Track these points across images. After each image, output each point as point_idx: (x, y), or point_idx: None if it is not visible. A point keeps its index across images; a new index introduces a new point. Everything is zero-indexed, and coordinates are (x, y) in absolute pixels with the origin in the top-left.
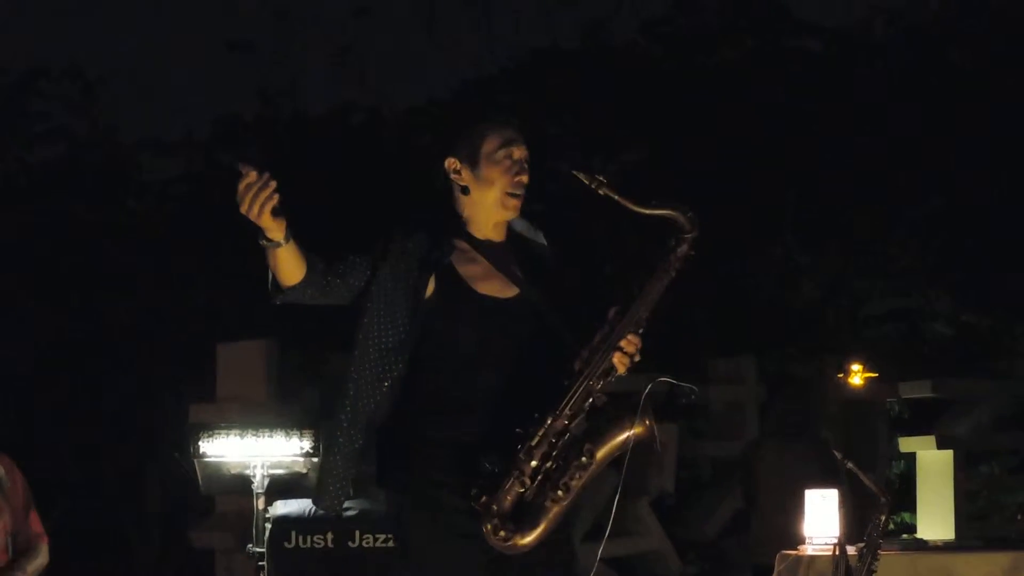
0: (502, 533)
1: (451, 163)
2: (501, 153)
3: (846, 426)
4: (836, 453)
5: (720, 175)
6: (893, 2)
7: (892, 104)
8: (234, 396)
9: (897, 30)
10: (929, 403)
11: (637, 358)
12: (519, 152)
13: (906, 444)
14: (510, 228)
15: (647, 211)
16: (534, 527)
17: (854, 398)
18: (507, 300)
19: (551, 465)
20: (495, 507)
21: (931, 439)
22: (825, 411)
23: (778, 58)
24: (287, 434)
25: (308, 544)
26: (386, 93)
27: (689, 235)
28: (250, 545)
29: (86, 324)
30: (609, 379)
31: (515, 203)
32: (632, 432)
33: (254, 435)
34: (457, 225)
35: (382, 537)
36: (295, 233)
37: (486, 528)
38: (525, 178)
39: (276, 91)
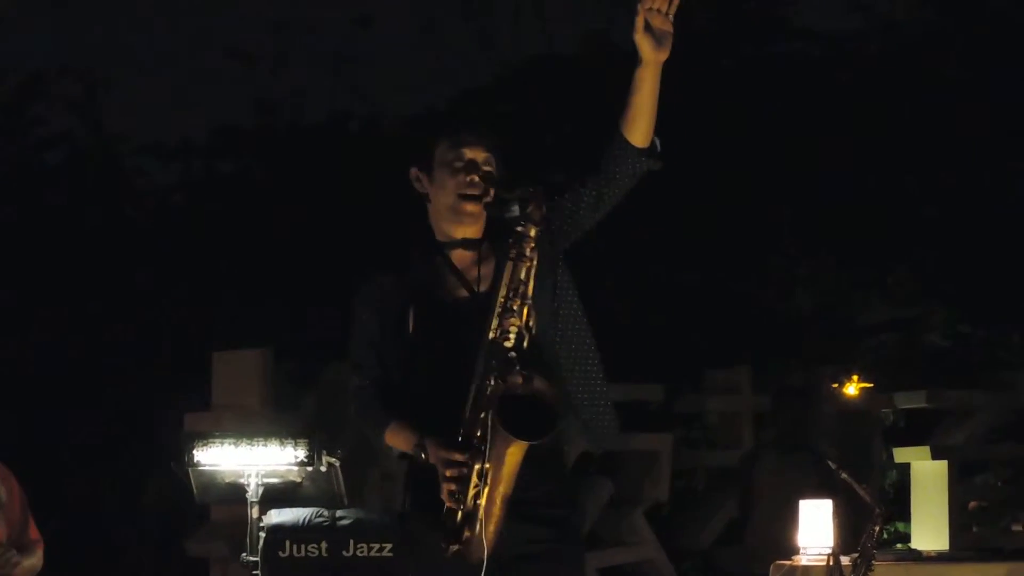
0: (454, 547)
1: (413, 173)
2: (451, 155)
3: (841, 436)
4: (831, 463)
5: (717, 184)
6: (890, 11)
7: (889, 114)
8: (229, 405)
9: (893, 39)
10: (924, 414)
11: (511, 345)
12: (472, 153)
13: (901, 454)
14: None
15: (509, 195)
16: (474, 530)
17: (849, 408)
18: (461, 300)
19: (457, 474)
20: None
21: (926, 450)
22: (820, 421)
23: (774, 67)
24: (282, 443)
25: (302, 553)
26: (383, 102)
27: (532, 211)
28: (244, 554)
29: (83, 330)
30: (502, 376)
31: (468, 205)
32: (496, 432)
33: (249, 444)
34: (429, 236)
35: (376, 546)
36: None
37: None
38: (476, 177)
39: (274, 100)
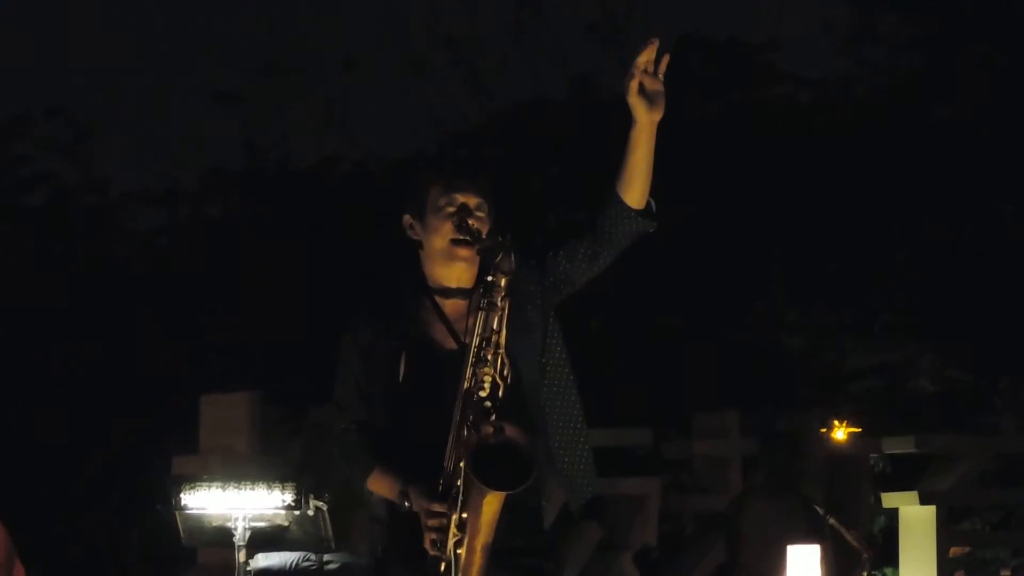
0: None
1: (406, 220)
2: (443, 200)
3: (829, 481)
4: (819, 508)
5: (706, 229)
6: (876, 57)
7: (877, 159)
8: (217, 448)
9: (881, 85)
10: (912, 459)
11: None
12: (464, 198)
13: (889, 500)
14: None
15: (480, 246)
16: None
17: (837, 453)
18: (450, 350)
19: (438, 524)
20: None
21: (914, 495)
22: (808, 466)
23: (762, 112)
24: (269, 487)
25: None
26: (372, 145)
27: (501, 261)
28: None
29: (70, 374)
30: (475, 427)
31: (463, 251)
32: (470, 482)
33: (236, 487)
34: (421, 284)
35: None
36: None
37: None
38: (471, 221)
39: (263, 143)
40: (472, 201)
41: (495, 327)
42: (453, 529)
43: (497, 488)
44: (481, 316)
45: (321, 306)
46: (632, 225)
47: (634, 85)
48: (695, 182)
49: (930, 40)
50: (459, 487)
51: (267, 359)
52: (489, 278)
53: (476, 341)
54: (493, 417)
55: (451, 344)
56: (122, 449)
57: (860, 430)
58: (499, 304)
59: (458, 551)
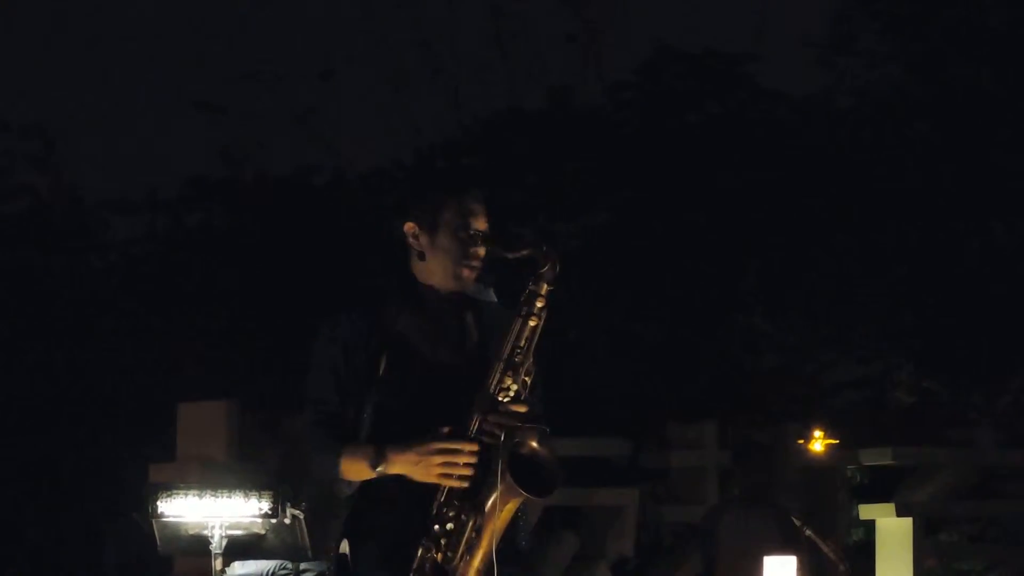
0: None
1: (410, 228)
2: (458, 222)
3: (806, 492)
4: (795, 520)
5: (683, 241)
6: (855, 69)
7: (856, 172)
8: (194, 456)
9: (860, 97)
10: (889, 470)
11: (522, 408)
12: (477, 223)
13: (866, 511)
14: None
15: (513, 255)
16: None
17: (814, 465)
18: (451, 364)
19: (451, 527)
20: None
21: (891, 506)
22: (785, 477)
23: (740, 123)
24: (246, 495)
25: None
26: (350, 155)
27: (546, 271)
28: None
29: (46, 382)
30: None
31: (469, 274)
32: (497, 494)
33: (213, 495)
34: (410, 289)
35: None
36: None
37: None
38: (482, 251)
39: (241, 152)
40: (484, 226)
41: (528, 335)
42: (469, 532)
43: (532, 494)
44: (518, 322)
45: (299, 315)
46: None
47: None
48: (672, 193)
49: (910, 54)
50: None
51: (244, 367)
52: (531, 287)
53: (509, 348)
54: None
55: (433, 348)
56: (98, 457)
57: (837, 441)
58: (536, 312)
59: (466, 556)
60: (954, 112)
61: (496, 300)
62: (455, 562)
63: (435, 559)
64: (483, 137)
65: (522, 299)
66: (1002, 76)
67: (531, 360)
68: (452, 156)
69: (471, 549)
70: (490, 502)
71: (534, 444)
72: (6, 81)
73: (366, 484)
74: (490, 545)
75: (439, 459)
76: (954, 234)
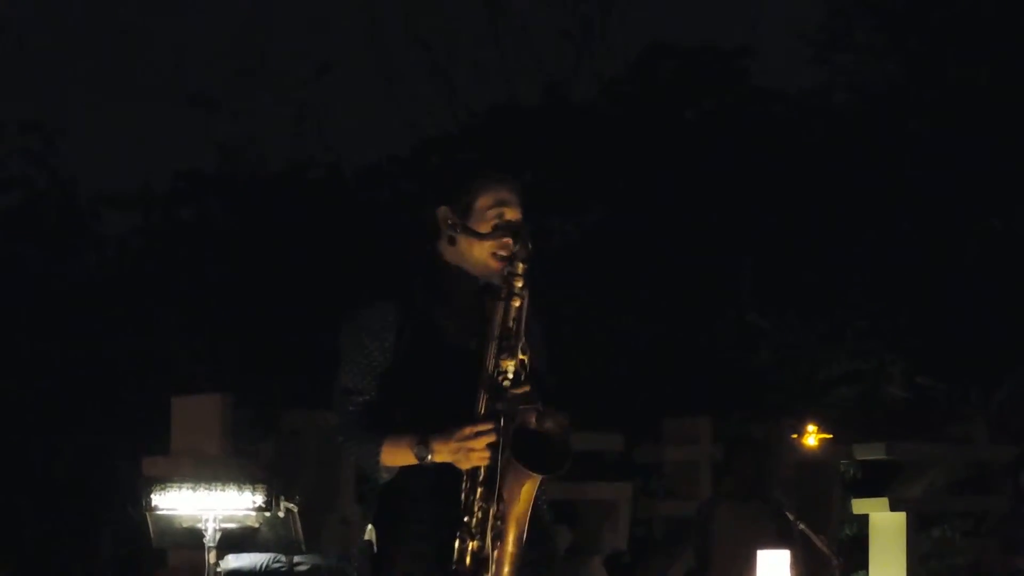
0: None
1: (443, 211)
2: (493, 212)
3: (800, 487)
4: (789, 514)
5: (678, 236)
6: (851, 65)
7: (851, 167)
8: (188, 450)
9: (856, 92)
10: (883, 465)
11: (523, 389)
12: (511, 214)
13: (859, 506)
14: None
15: (489, 239)
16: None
17: (808, 459)
18: (478, 349)
19: (480, 516)
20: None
21: (884, 501)
22: (778, 472)
23: (736, 120)
24: (240, 488)
25: None
26: (345, 150)
27: (519, 251)
28: None
29: (41, 375)
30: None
31: (499, 265)
32: (510, 469)
33: (207, 489)
34: (436, 274)
35: None
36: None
37: None
38: (511, 241)
39: (236, 146)
40: (517, 216)
41: (515, 316)
42: (492, 520)
43: (539, 471)
44: (500, 306)
45: (293, 309)
46: None
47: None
48: (668, 188)
49: (906, 49)
50: (496, 478)
51: (238, 361)
52: (508, 269)
53: (497, 331)
54: (536, 405)
55: (461, 333)
56: (92, 450)
57: (831, 436)
58: (518, 292)
59: (498, 543)
60: (950, 107)
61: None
62: (488, 550)
63: (473, 550)
64: (478, 132)
65: (500, 282)
66: (998, 70)
67: (525, 340)
68: (447, 151)
69: (500, 536)
70: (505, 487)
71: (539, 422)
72: (1, 76)
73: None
74: (518, 529)
75: (475, 443)
76: (950, 230)
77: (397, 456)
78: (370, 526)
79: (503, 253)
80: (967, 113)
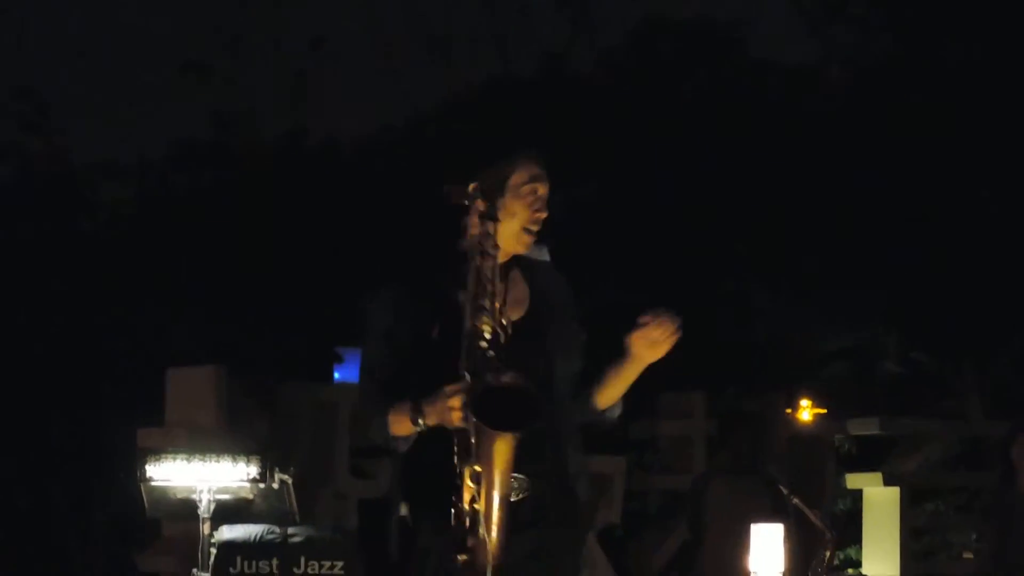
0: (462, 557)
1: (476, 189)
2: (527, 188)
3: (794, 461)
4: (783, 488)
5: (674, 211)
6: (847, 38)
7: (846, 142)
8: (182, 421)
9: (852, 66)
10: (877, 440)
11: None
12: (543, 189)
13: (853, 481)
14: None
15: (462, 198)
16: (477, 536)
17: (803, 434)
18: (512, 322)
19: (462, 478)
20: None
21: (878, 476)
22: (773, 446)
23: (733, 93)
24: (234, 460)
25: (253, 569)
26: (341, 120)
27: (488, 212)
28: (195, 570)
29: (35, 345)
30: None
31: (529, 239)
32: (481, 429)
33: (201, 460)
34: (460, 251)
35: (327, 563)
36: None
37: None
38: (544, 215)
39: (231, 115)
40: (546, 192)
41: (489, 275)
42: (467, 482)
43: (502, 429)
44: (474, 266)
45: (289, 281)
46: (590, 417)
47: (642, 331)
48: (664, 162)
49: (902, 24)
50: (472, 440)
51: (234, 332)
52: (475, 230)
53: (472, 291)
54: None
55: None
56: (87, 421)
57: (825, 411)
58: (490, 251)
59: (475, 506)
60: (944, 81)
61: (548, 259)
62: (466, 511)
63: (465, 511)
64: (473, 105)
65: (468, 245)
66: (992, 44)
67: (498, 298)
68: (442, 123)
69: (481, 499)
70: (481, 447)
71: (498, 377)
72: None
73: (412, 448)
74: (501, 490)
75: (453, 402)
76: (945, 204)
77: (400, 425)
78: (404, 505)
79: (535, 228)
80: (961, 87)
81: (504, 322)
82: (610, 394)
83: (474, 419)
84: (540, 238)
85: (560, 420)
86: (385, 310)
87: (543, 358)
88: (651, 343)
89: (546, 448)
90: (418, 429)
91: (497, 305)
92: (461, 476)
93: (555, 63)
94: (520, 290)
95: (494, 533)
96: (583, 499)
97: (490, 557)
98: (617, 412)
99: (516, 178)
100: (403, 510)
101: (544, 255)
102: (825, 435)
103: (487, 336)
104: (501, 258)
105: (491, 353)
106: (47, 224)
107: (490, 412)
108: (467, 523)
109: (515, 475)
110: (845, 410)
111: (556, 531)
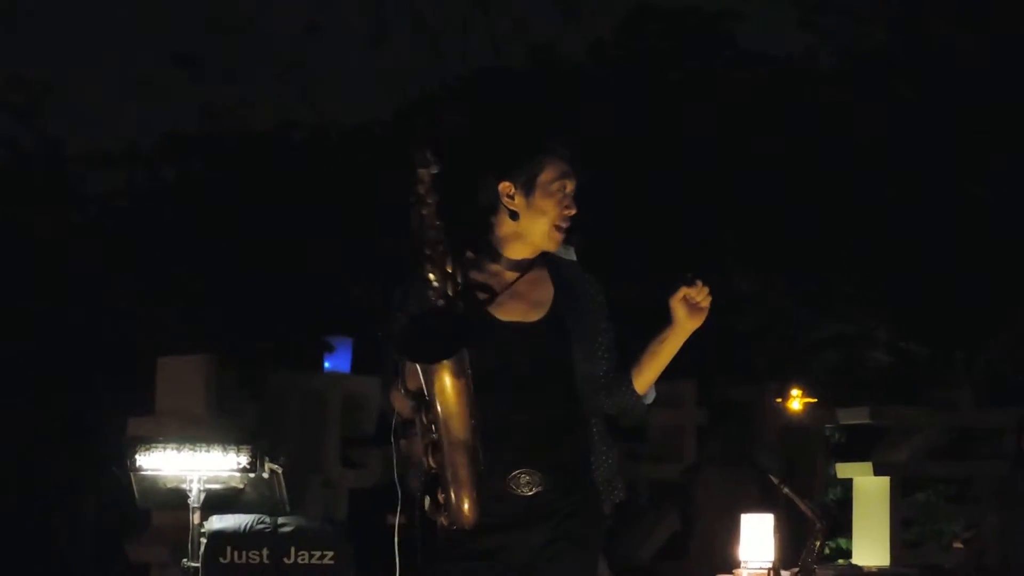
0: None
1: (506, 187)
2: (556, 185)
3: (784, 451)
4: (773, 478)
5: (662, 199)
6: (839, 31)
7: (836, 131)
8: (173, 410)
9: (842, 56)
10: (867, 430)
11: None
12: (571, 186)
13: (843, 470)
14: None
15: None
16: (447, 492)
17: (793, 423)
18: (532, 323)
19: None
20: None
21: (868, 466)
22: (763, 436)
23: (721, 82)
24: (224, 449)
25: (243, 559)
26: (330, 110)
27: (419, 160)
28: (185, 560)
29: (25, 334)
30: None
31: (559, 236)
32: (432, 377)
33: (191, 449)
34: (488, 248)
35: (317, 554)
36: None
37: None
38: (574, 211)
39: (221, 106)
40: (573, 186)
41: (428, 223)
42: (424, 434)
43: (426, 360)
44: (414, 216)
45: (279, 270)
46: (626, 400)
47: (681, 292)
48: (652, 151)
49: (893, 13)
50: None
51: (224, 322)
52: (412, 178)
53: (413, 241)
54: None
55: (516, 315)
56: (77, 410)
57: (815, 401)
58: (424, 196)
59: (435, 458)
60: (936, 72)
61: (575, 259)
62: (429, 460)
63: (431, 465)
64: (463, 94)
65: (410, 188)
66: (984, 33)
67: (443, 246)
68: (433, 113)
69: (439, 446)
70: (434, 392)
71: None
72: None
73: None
74: (457, 436)
75: None
76: (935, 194)
77: (398, 400)
78: (427, 498)
79: (565, 224)
80: (952, 77)
81: (450, 269)
82: (648, 374)
83: (404, 357)
84: (568, 237)
85: (578, 415)
86: (407, 296)
87: (566, 357)
88: (691, 307)
89: (562, 442)
90: (408, 400)
91: (442, 254)
92: (421, 432)
93: (545, 53)
94: (545, 289)
95: (466, 491)
96: (610, 492)
97: (468, 516)
98: (651, 398)
99: (545, 176)
100: (427, 505)
101: (571, 255)
102: (815, 424)
103: (435, 284)
104: (531, 255)
105: (440, 302)
106: (37, 213)
107: (416, 346)
108: (430, 478)
109: (528, 470)
110: (835, 400)
111: (571, 523)
